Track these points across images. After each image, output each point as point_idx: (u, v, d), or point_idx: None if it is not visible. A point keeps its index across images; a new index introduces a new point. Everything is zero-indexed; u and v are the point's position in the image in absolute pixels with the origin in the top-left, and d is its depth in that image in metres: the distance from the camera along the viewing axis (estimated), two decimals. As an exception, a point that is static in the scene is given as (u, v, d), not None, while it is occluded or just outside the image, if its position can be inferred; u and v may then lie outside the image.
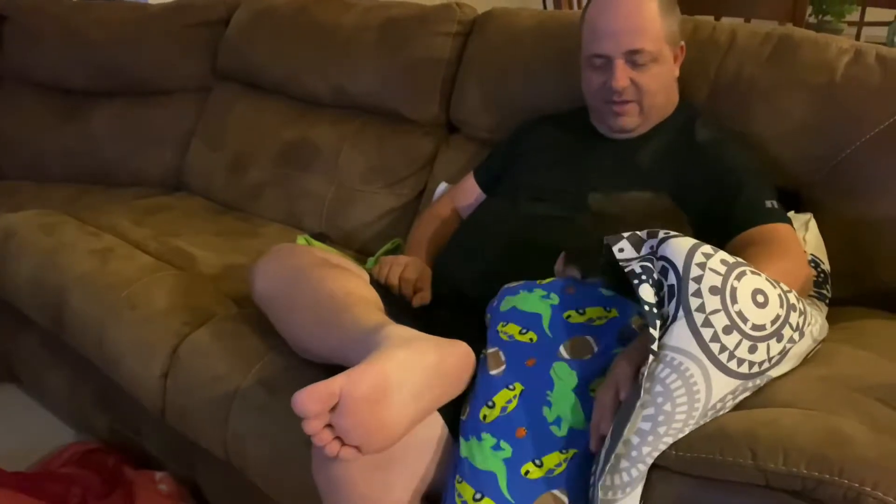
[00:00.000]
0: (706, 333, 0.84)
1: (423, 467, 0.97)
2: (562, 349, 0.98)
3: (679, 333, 0.85)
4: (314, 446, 0.92)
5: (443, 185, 1.68)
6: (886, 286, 1.26)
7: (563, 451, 0.92)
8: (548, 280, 1.08)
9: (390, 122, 1.83)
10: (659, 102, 1.31)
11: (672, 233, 0.91)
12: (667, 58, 1.28)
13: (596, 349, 0.97)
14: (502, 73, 1.66)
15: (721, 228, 1.17)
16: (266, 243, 1.70)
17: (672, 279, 0.87)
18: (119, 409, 1.59)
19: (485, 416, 0.96)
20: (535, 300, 1.04)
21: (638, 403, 0.84)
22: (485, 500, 0.91)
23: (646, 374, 0.85)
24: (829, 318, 1.12)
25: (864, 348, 1.03)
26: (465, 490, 0.93)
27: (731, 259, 0.88)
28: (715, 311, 0.84)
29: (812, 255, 1.22)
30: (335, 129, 1.89)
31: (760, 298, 0.87)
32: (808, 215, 1.28)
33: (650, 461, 0.86)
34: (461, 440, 0.96)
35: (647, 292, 0.88)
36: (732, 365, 0.85)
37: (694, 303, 0.84)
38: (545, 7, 3.15)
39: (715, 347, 0.84)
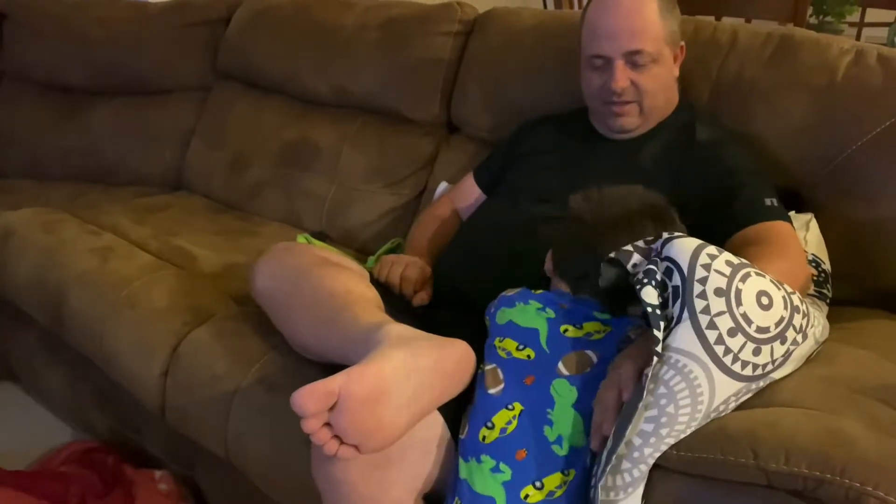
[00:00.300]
0: (711, 336, 0.84)
1: (422, 467, 0.97)
2: (560, 365, 0.97)
3: (684, 335, 0.84)
4: (313, 445, 0.92)
5: (443, 185, 1.68)
6: (887, 286, 1.26)
7: (565, 471, 0.92)
8: (540, 291, 1.06)
9: (391, 121, 1.83)
10: (659, 103, 1.31)
11: (676, 233, 0.91)
12: (667, 58, 1.28)
13: (596, 363, 0.96)
14: (503, 72, 1.66)
15: (720, 227, 1.17)
16: (266, 242, 1.70)
17: (677, 280, 0.86)
18: (119, 408, 1.59)
19: (484, 437, 0.95)
20: (531, 314, 1.03)
21: (641, 405, 0.84)
22: None
23: (650, 375, 0.84)
24: (830, 318, 1.12)
25: (864, 348, 1.03)
26: None
27: (735, 260, 0.88)
28: (720, 314, 0.84)
29: (813, 254, 1.22)
30: (335, 128, 1.89)
31: (765, 300, 0.86)
32: (809, 215, 1.28)
33: (652, 462, 0.86)
34: (461, 460, 0.96)
35: (650, 294, 0.87)
36: (736, 367, 0.85)
37: (699, 304, 0.84)
38: (546, 7, 3.15)
39: (719, 350, 0.84)
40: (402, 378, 0.90)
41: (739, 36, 1.41)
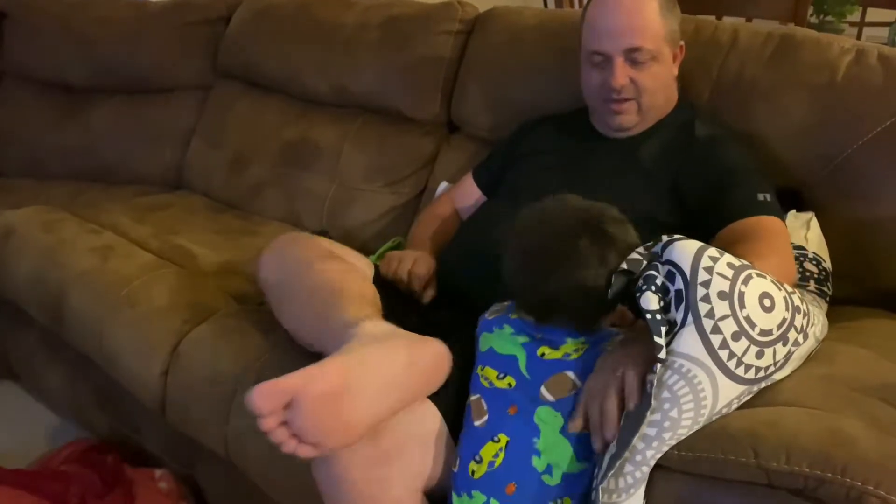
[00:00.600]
0: (715, 340, 0.83)
1: (422, 464, 0.97)
2: (543, 390, 0.95)
3: (688, 340, 0.84)
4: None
5: (443, 185, 1.68)
6: (887, 286, 1.26)
7: (558, 500, 0.91)
8: (516, 315, 1.03)
9: (391, 121, 1.83)
10: (658, 101, 1.31)
11: (676, 235, 0.90)
12: (666, 57, 1.29)
13: (577, 383, 0.94)
14: (503, 72, 1.66)
15: (712, 221, 1.16)
16: (266, 241, 1.68)
17: (679, 284, 0.86)
18: (119, 407, 1.59)
19: (473, 472, 0.94)
20: (507, 339, 1.00)
21: (648, 412, 0.84)
22: None
23: (655, 382, 0.84)
24: (830, 318, 1.12)
25: (865, 347, 1.03)
26: None
27: (736, 262, 0.87)
28: (724, 317, 0.83)
29: (814, 252, 1.22)
30: (336, 127, 1.89)
31: (767, 302, 0.86)
32: (810, 214, 1.28)
33: (653, 463, 0.86)
34: (454, 494, 0.95)
35: (650, 300, 0.86)
36: (740, 371, 0.85)
37: (703, 308, 0.84)
38: (546, 6, 3.15)
39: (724, 354, 0.84)
40: (367, 376, 0.90)
41: (740, 35, 1.41)
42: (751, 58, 1.37)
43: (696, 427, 0.86)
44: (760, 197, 1.17)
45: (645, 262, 0.91)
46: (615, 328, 1.01)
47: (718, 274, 0.85)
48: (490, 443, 0.94)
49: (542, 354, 0.97)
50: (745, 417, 0.87)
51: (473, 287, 1.22)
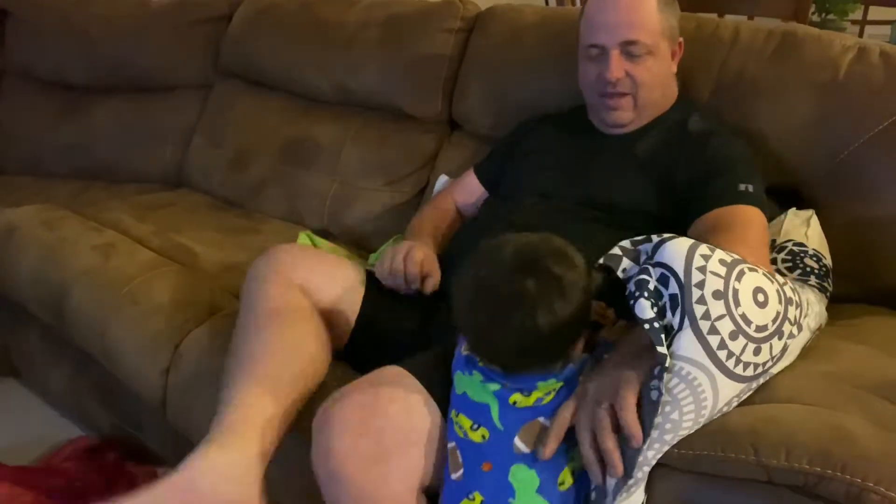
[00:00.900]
0: (713, 341, 0.83)
1: (420, 460, 0.97)
2: (517, 441, 0.91)
3: (686, 343, 0.83)
4: (314, 439, 0.93)
5: (443, 178, 1.68)
6: (888, 284, 1.26)
7: None
8: (482, 363, 0.97)
9: (392, 119, 1.83)
10: (654, 97, 1.31)
11: (666, 235, 0.89)
12: (663, 52, 1.29)
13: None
14: (504, 69, 1.66)
15: (692, 208, 1.16)
16: (268, 239, 1.70)
17: (673, 287, 0.85)
18: (120, 405, 1.59)
19: None
20: (478, 386, 0.96)
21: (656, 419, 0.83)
22: None
23: (663, 390, 0.83)
24: (831, 315, 1.12)
25: (865, 345, 1.03)
26: None
27: (728, 258, 0.87)
28: (720, 317, 0.83)
29: (814, 249, 1.22)
30: (337, 126, 1.89)
31: (761, 297, 0.86)
32: (810, 212, 1.27)
33: (654, 462, 0.86)
34: None
35: (644, 308, 0.85)
36: (739, 370, 0.85)
37: (699, 310, 0.83)
38: (547, 4, 3.15)
39: (722, 355, 0.83)
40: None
41: (741, 33, 1.41)
42: (752, 56, 1.37)
43: (697, 428, 0.86)
44: (742, 187, 1.16)
45: (626, 259, 0.90)
46: (597, 321, 0.99)
47: (712, 272, 0.84)
48: (466, 500, 0.93)
49: (515, 402, 0.93)
50: (745, 415, 0.87)
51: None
